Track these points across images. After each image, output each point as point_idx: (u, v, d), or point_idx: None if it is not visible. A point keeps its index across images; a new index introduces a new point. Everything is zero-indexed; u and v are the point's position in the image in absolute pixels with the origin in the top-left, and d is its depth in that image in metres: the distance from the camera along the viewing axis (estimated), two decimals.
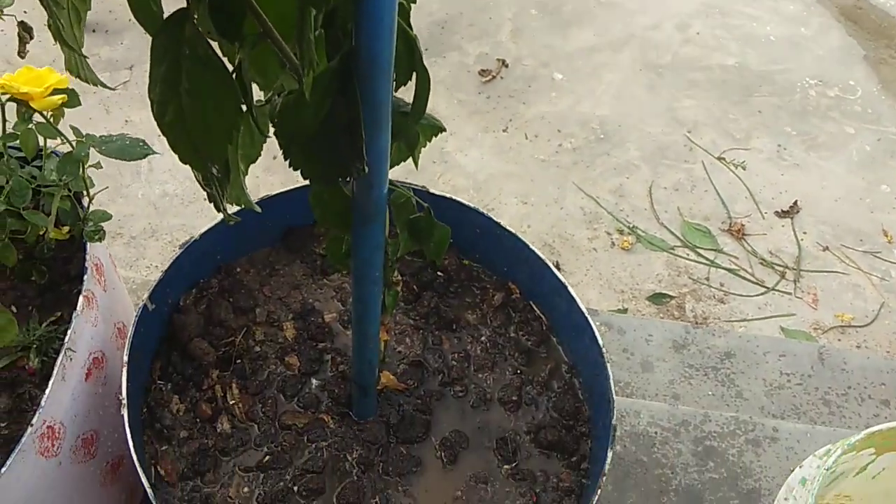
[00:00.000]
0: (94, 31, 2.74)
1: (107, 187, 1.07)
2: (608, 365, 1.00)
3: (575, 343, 1.11)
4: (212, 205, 0.78)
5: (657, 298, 2.37)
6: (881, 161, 2.74)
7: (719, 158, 2.67)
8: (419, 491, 1.02)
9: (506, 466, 1.05)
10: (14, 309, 1.04)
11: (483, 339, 1.15)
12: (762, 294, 2.38)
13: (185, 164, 0.66)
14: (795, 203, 2.57)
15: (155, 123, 0.62)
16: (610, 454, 0.94)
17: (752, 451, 1.68)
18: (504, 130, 2.69)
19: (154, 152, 0.96)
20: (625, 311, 2.37)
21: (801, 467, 1.10)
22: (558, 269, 2.37)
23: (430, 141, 0.83)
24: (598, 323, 2.05)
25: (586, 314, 1.04)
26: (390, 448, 1.04)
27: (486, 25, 2.96)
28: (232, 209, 1.06)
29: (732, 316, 2.35)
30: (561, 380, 1.12)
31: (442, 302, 1.16)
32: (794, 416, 1.92)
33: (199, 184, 0.76)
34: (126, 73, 2.73)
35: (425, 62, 0.69)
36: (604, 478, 0.93)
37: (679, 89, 2.85)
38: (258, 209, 0.86)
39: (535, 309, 1.17)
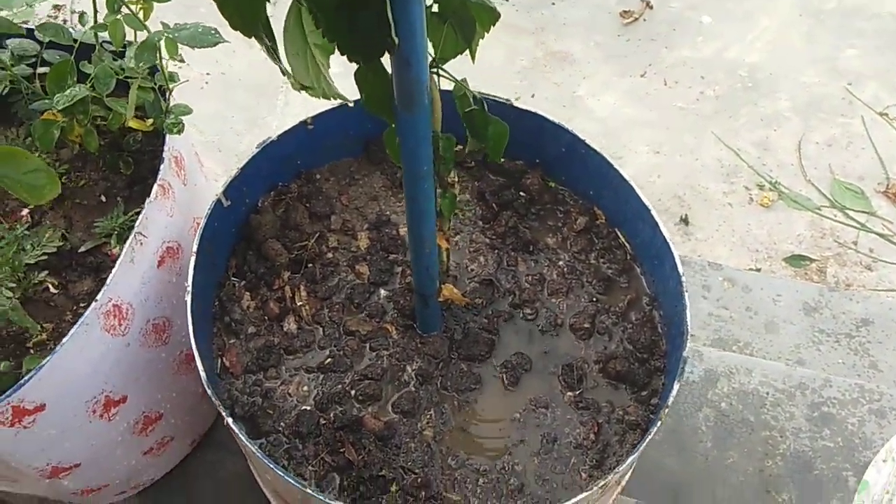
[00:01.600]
0: None
1: (187, 80, 1.08)
2: (685, 294, 0.92)
3: (658, 274, 1.03)
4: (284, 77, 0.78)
5: (796, 260, 2.19)
6: None
7: (882, 114, 2.42)
8: (476, 409, 0.99)
9: (569, 394, 0.99)
10: (103, 198, 1.09)
11: (561, 263, 1.09)
12: None
13: (235, 28, 0.67)
14: None
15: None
16: (676, 386, 0.87)
17: (874, 421, 1.53)
18: (642, 75, 2.56)
19: (224, 40, 0.96)
20: (757, 271, 2.21)
21: None
22: (686, 223, 2.25)
23: (487, 31, 0.77)
24: (720, 278, 1.93)
25: (669, 240, 0.96)
26: (451, 363, 1.01)
27: None
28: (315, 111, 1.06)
29: (880, 284, 2.14)
30: (640, 311, 1.05)
31: (521, 223, 1.11)
32: None
33: (270, 59, 0.76)
34: (270, 7, 2.81)
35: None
36: (666, 410, 0.86)
37: (842, 37, 2.60)
38: (348, 100, 0.84)
39: (620, 236, 1.09)
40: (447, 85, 0.79)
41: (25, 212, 1.09)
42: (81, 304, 1.01)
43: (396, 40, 0.62)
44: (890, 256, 2.16)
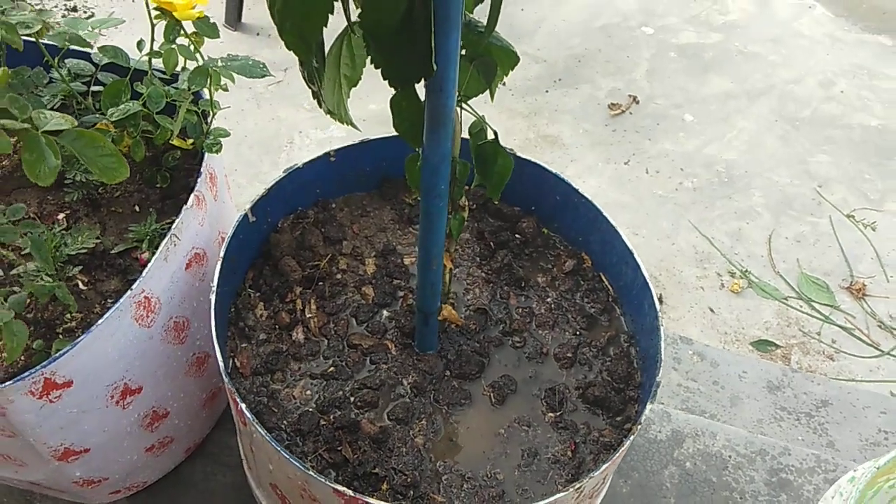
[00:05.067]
0: (257, 34, 3.01)
1: (229, 107, 1.20)
2: (661, 328, 1.03)
3: (637, 314, 1.14)
4: (315, 102, 0.89)
5: (762, 345, 2.32)
6: None
7: (848, 216, 2.60)
8: (464, 422, 1.07)
9: (550, 414, 1.08)
10: (137, 208, 1.19)
11: (549, 300, 1.20)
12: (876, 357, 2.27)
13: (290, 49, 0.78)
14: None
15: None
16: (649, 406, 0.97)
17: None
18: (626, 163, 2.73)
19: (271, 74, 1.08)
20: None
21: (854, 470, 1.07)
22: (660, 301, 2.38)
23: (507, 74, 0.90)
24: (691, 352, 2.04)
25: (648, 280, 1.07)
26: (444, 380, 1.10)
27: (622, 63, 3.03)
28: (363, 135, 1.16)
29: (840, 374, 2.26)
30: (618, 347, 1.15)
31: (515, 262, 1.22)
32: None
33: (305, 81, 0.87)
34: (281, 74, 2.98)
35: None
36: (638, 426, 0.95)
37: (814, 144, 2.80)
38: (357, 127, 0.96)
39: (604, 280, 1.21)
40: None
41: (62, 216, 1.19)
42: (109, 300, 1.10)
43: (435, 67, 0.75)
44: (851, 349, 2.29)
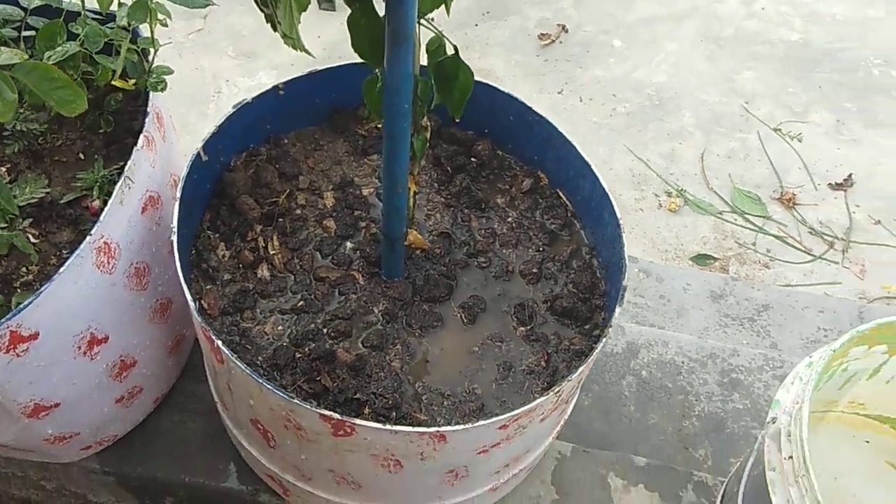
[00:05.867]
0: None
1: (170, 41, 1.17)
2: (623, 235, 1.06)
3: (596, 226, 1.16)
4: (269, 25, 0.87)
5: (701, 259, 2.39)
6: None
7: (775, 130, 2.68)
8: (438, 343, 1.09)
9: (521, 329, 1.11)
10: (82, 156, 1.15)
11: (509, 219, 1.21)
12: (809, 262, 2.38)
13: None
14: (850, 176, 2.56)
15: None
16: (618, 310, 0.99)
17: (778, 385, 1.70)
18: (559, 92, 2.75)
19: (213, 3, 1.05)
20: None
21: (810, 357, 1.13)
22: None
23: None
24: (637, 269, 2.09)
25: (608, 190, 1.09)
26: (414, 305, 1.11)
27: None
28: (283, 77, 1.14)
29: (777, 281, 2.35)
30: (581, 259, 1.18)
31: (473, 184, 1.23)
32: None
33: (258, 5, 0.85)
34: (201, 21, 2.88)
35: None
36: (609, 329, 0.98)
37: (739, 61, 2.86)
38: (311, 53, 0.94)
39: (562, 195, 1.22)
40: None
41: (3, 169, 1.14)
42: (64, 252, 1.07)
43: None
44: (784, 256, 2.38)
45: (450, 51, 0.92)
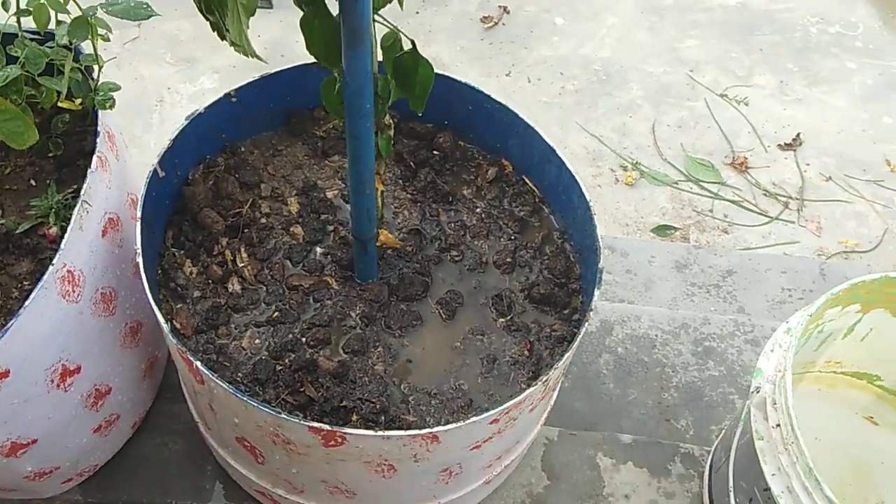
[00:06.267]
0: None
1: (114, 58, 1.13)
2: (594, 217, 1.05)
3: (566, 210, 1.16)
4: (216, 34, 0.84)
5: (661, 230, 2.41)
6: (883, 94, 2.76)
7: (721, 95, 2.71)
8: (419, 342, 1.08)
9: (501, 320, 1.10)
10: (33, 182, 1.11)
11: (478, 210, 1.20)
12: (766, 224, 2.41)
13: None
14: (798, 136, 2.60)
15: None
16: (596, 293, 0.99)
17: (751, 350, 1.73)
18: (507, 75, 2.74)
19: (156, 13, 1.02)
20: None
21: (787, 322, 1.14)
22: None
23: None
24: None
25: (574, 173, 1.09)
26: (391, 305, 1.10)
27: None
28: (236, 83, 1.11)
29: (737, 245, 2.38)
30: (553, 244, 1.17)
31: (438, 178, 1.22)
32: None
33: (202, 13, 0.82)
34: (135, 29, 2.81)
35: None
36: (591, 313, 0.98)
37: (680, 30, 2.89)
38: (262, 59, 0.92)
39: (528, 182, 1.22)
40: None
41: None
42: (25, 283, 1.03)
43: None
44: (742, 220, 2.42)
45: (407, 45, 0.90)
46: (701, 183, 2.51)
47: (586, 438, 1.44)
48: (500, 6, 2.88)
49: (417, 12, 2.84)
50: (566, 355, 0.95)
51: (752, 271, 2.06)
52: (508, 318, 1.10)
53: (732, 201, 2.46)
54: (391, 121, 0.95)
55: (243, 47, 0.88)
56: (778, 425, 1.02)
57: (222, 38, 0.83)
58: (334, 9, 0.80)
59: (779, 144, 2.59)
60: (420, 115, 0.97)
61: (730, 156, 2.57)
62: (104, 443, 1.20)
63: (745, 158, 2.55)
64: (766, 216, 2.42)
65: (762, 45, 2.85)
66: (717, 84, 2.74)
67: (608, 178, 2.53)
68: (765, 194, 2.48)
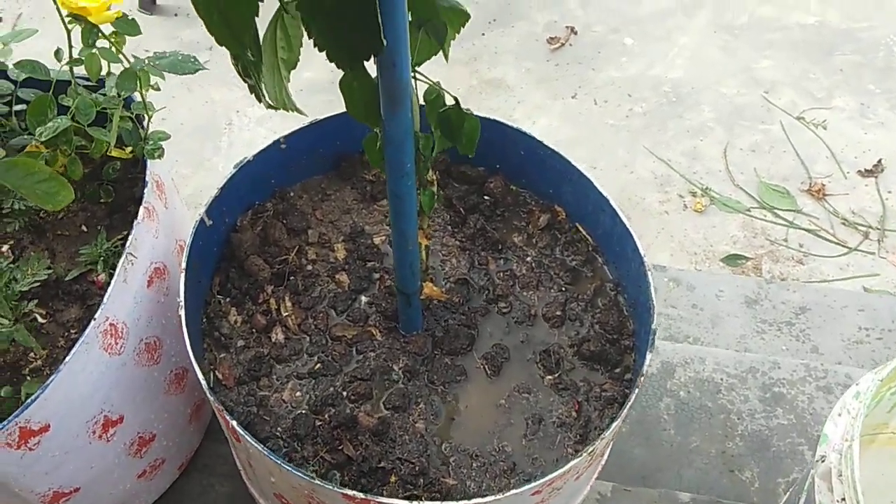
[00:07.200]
0: (175, 14, 2.87)
1: (164, 107, 1.13)
2: (649, 273, 1.00)
3: (619, 261, 1.11)
4: (253, 96, 0.83)
5: (732, 260, 2.32)
6: None
7: (798, 118, 2.60)
8: (462, 399, 1.04)
9: (548, 377, 1.06)
10: (84, 228, 1.12)
11: (528, 259, 1.16)
12: (844, 255, 2.30)
13: (222, 45, 0.71)
14: (880, 162, 2.47)
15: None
16: (649, 356, 0.94)
17: (822, 397, 1.64)
18: (573, 97, 2.69)
19: (203, 67, 1.01)
20: (699, 272, 2.32)
21: (857, 384, 1.07)
22: None
23: (458, 32, 0.85)
24: (666, 279, 2.03)
25: (628, 226, 1.04)
26: (435, 359, 1.07)
27: None
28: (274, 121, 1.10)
29: (812, 277, 2.28)
30: (606, 297, 1.12)
31: (488, 224, 1.18)
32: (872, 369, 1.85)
33: (240, 76, 0.81)
34: (207, 53, 2.86)
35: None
36: (641, 378, 0.93)
37: (756, 50, 2.78)
38: (304, 112, 0.90)
39: (581, 230, 1.17)
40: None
41: (6, 248, 1.11)
42: (72, 331, 1.04)
43: (385, 42, 0.69)
44: (818, 250, 2.31)
45: (449, 101, 0.87)
46: (775, 210, 2.41)
47: (642, 496, 1.38)
48: (567, 27, 2.83)
49: (483, 34, 2.81)
50: (615, 424, 0.91)
51: (828, 308, 1.96)
52: (556, 375, 1.06)
53: (808, 230, 2.35)
54: (435, 177, 0.92)
55: (283, 103, 0.87)
56: (843, 499, 0.95)
57: (259, 100, 0.81)
58: (373, 69, 0.78)
59: (859, 171, 2.47)
60: (471, 157, 0.93)
61: (806, 182, 2.46)
62: (149, 486, 1.20)
63: (823, 185, 2.44)
64: (844, 247, 2.31)
65: (842, 65, 2.72)
66: (794, 106, 2.62)
67: (676, 205, 2.45)
68: (843, 223, 2.36)
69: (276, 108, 0.84)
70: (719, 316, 1.95)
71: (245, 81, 0.81)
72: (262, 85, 0.79)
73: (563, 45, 2.80)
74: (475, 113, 1.07)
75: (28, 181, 0.72)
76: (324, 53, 0.72)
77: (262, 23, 0.79)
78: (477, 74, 2.71)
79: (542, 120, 2.63)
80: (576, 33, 2.84)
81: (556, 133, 2.58)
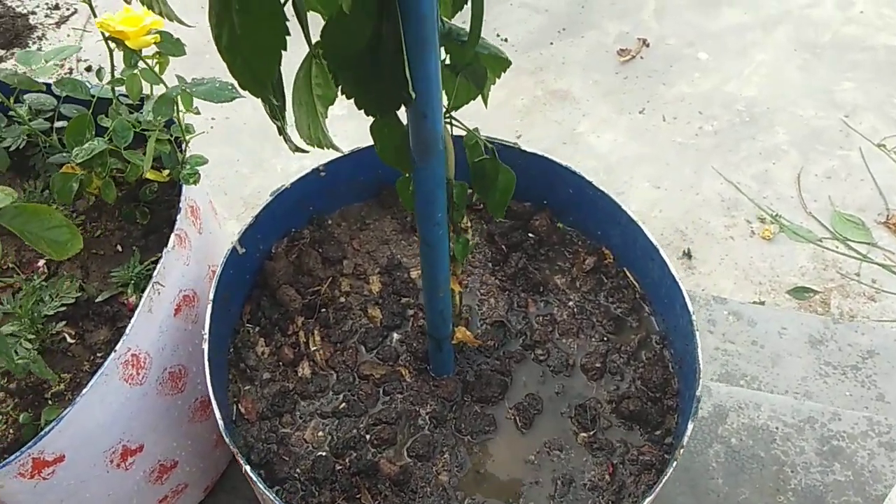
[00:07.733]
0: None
1: (204, 132, 1.11)
2: (696, 333, 0.94)
3: (668, 313, 1.04)
4: (282, 138, 0.79)
5: (799, 293, 2.20)
6: None
7: (879, 145, 2.45)
8: (490, 451, 0.99)
9: (583, 434, 1.00)
10: (119, 248, 1.11)
11: (571, 303, 1.10)
12: None
13: (245, 88, 0.67)
14: None
15: None
16: (690, 426, 0.88)
17: (884, 454, 1.53)
18: (641, 112, 2.59)
19: (240, 95, 0.98)
20: (761, 303, 2.22)
21: None
22: (689, 257, 2.27)
23: (498, 77, 0.80)
24: (726, 312, 1.94)
25: (678, 279, 0.97)
26: (464, 406, 1.02)
27: (628, 4, 2.86)
28: (323, 159, 1.07)
29: (884, 315, 2.15)
30: (651, 350, 1.06)
31: (531, 264, 1.13)
32: None
33: (269, 117, 0.78)
34: None
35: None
36: (681, 450, 0.87)
37: (837, 71, 2.64)
38: (341, 149, 0.86)
39: (629, 275, 1.11)
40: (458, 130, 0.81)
41: (41, 263, 1.11)
42: (99, 354, 1.02)
43: (413, 95, 0.64)
44: (893, 287, 2.17)
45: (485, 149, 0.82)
46: (848, 242, 2.28)
47: None
48: (639, 38, 2.74)
49: (551, 43, 2.74)
50: (649, 498, 0.85)
51: None
52: (591, 433, 1.00)
53: (883, 265, 2.22)
54: (469, 224, 0.87)
55: (318, 141, 0.83)
56: None
57: (287, 142, 0.78)
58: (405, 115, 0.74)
59: None
60: (499, 220, 0.88)
61: (884, 213, 2.32)
62: None
63: None
64: None
65: None
66: (875, 132, 2.48)
67: (743, 230, 2.34)
68: None
69: (305, 151, 0.80)
70: (780, 355, 1.85)
71: (274, 123, 0.77)
72: (286, 128, 0.75)
73: (633, 57, 2.71)
74: (524, 149, 1.02)
75: (37, 227, 0.70)
76: (353, 102, 0.68)
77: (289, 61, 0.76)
78: (542, 85, 2.64)
79: (607, 135, 2.54)
80: (648, 46, 2.74)
81: (620, 149, 2.49)
